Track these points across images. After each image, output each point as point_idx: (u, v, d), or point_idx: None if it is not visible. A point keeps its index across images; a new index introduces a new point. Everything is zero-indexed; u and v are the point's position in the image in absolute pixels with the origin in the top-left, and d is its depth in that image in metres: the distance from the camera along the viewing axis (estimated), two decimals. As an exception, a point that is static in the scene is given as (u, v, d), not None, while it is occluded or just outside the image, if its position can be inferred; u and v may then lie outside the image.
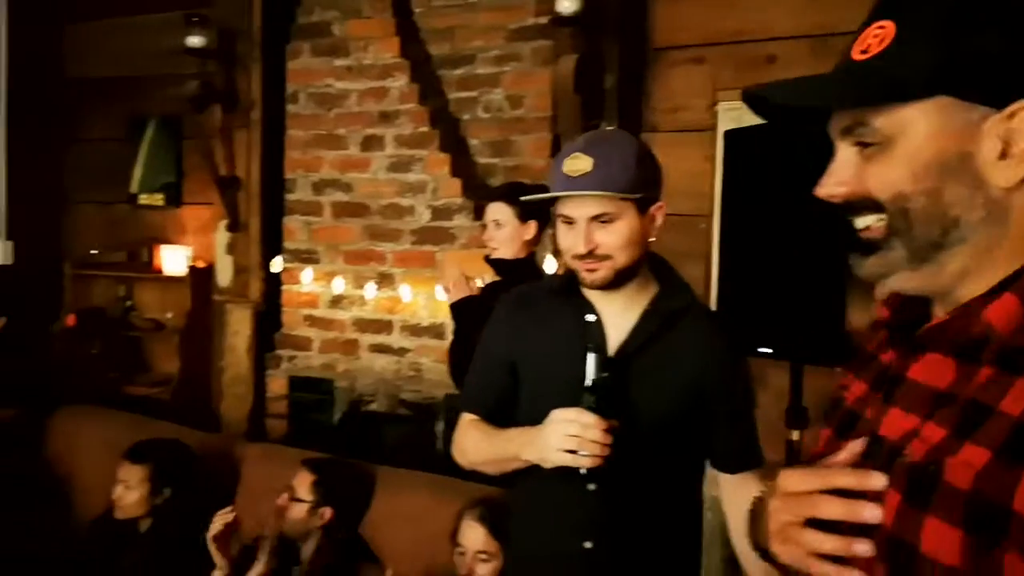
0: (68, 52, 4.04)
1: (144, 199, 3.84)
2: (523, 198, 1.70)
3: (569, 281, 1.40)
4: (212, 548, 1.93)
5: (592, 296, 1.39)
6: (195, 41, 3.17)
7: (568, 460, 1.24)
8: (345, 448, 2.73)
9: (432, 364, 3.08)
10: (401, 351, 3.14)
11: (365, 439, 3.09)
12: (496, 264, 2.28)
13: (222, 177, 3.35)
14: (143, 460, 2.16)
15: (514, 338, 1.46)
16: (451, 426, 2.95)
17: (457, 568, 1.97)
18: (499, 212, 2.24)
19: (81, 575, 2.22)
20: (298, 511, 2.06)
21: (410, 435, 3.07)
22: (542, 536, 1.44)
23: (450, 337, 3.07)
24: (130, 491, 2.13)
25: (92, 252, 3.85)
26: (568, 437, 1.23)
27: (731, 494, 1.42)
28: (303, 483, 2.10)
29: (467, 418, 1.52)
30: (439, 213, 3.07)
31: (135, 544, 2.19)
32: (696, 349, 1.38)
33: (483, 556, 1.90)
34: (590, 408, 1.24)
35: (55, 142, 4.01)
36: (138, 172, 3.85)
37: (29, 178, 3.83)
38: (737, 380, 1.43)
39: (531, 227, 2.26)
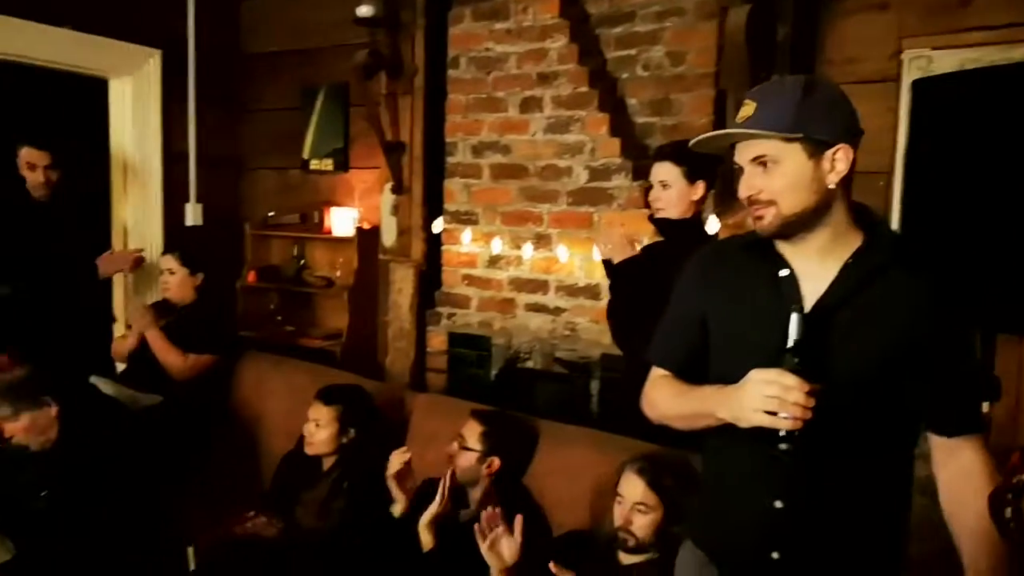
0: (245, 29, 4.34)
1: (315, 164, 4.09)
2: (690, 144, 1.67)
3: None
4: (392, 485, 2.07)
5: (784, 250, 1.35)
6: (364, 11, 3.31)
7: (766, 421, 1.21)
8: (501, 403, 2.83)
9: (588, 324, 3.12)
10: (557, 311, 3.20)
11: (520, 395, 3.19)
12: (661, 224, 2.27)
13: (388, 142, 3.50)
14: (333, 402, 2.34)
15: (706, 294, 1.45)
16: (606, 385, 3.01)
17: (615, 518, 2.00)
18: (666, 172, 2.22)
19: (271, 502, 2.44)
20: (467, 459, 2.16)
21: (564, 393, 3.13)
22: (732, 493, 1.43)
23: (606, 298, 3.10)
24: (321, 430, 2.32)
25: (269, 215, 4.16)
26: (768, 398, 1.20)
27: (944, 458, 1.35)
28: (473, 433, 2.19)
29: (658, 373, 1.53)
30: (597, 174, 3.08)
31: (319, 479, 2.38)
32: (908, 305, 1.30)
33: (641, 508, 1.93)
34: (792, 370, 1.21)
35: (235, 113, 4.34)
36: (309, 139, 4.10)
37: (214, 147, 4.17)
38: (958, 338, 1.33)
39: (699, 187, 2.22)
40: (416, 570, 2.00)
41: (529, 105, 3.22)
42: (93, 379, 2.76)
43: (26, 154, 3.04)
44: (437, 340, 3.49)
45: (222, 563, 2.15)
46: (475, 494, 2.20)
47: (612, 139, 3.05)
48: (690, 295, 1.49)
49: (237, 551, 2.16)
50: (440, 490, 2.04)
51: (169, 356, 2.93)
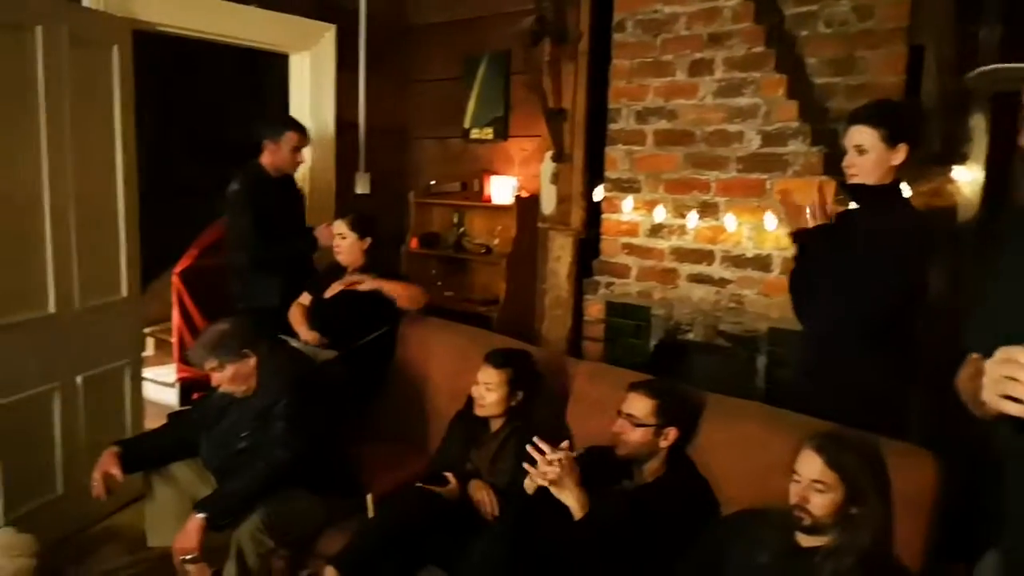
0: (411, 1, 4.46)
1: (476, 133, 4.17)
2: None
3: None
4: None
5: None
6: (531, -23, 3.31)
7: (1006, 407, 1.06)
8: (659, 375, 2.78)
9: (755, 297, 3.00)
10: (721, 282, 3.10)
11: (679, 367, 3.13)
12: (856, 191, 2.12)
13: (550, 109, 3.50)
14: (503, 365, 2.39)
15: None
16: (774, 360, 2.89)
17: (791, 495, 1.92)
18: (863, 136, 2.06)
19: (442, 459, 2.54)
20: (641, 434, 2.13)
21: (727, 367, 3.04)
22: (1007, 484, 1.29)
23: (776, 270, 2.96)
24: (491, 392, 2.38)
25: (431, 183, 4.30)
26: (1003, 380, 1.05)
27: None
28: (643, 407, 2.15)
29: (972, 356, 1.37)
30: (771, 139, 2.93)
31: (488, 439, 2.45)
32: None
33: (819, 486, 1.83)
34: None
35: (401, 84, 4.49)
36: (471, 108, 4.18)
37: (381, 117, 4.34)
38: None
39: (900, 152, 2.05)
40: (569, 535, 2.00)
41: (699, 68, 3.11)
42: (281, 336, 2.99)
43: (293, 138, 3.34)
44: (594, 309, 3.49)
45: (398, 511, 2.26)
46: (652, 465, 2.17)
47: (789, 102, 2.89)
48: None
49: (411, 501, 2.27)
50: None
51: (398, 288, 3.13)
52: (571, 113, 3.53)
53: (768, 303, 2.95)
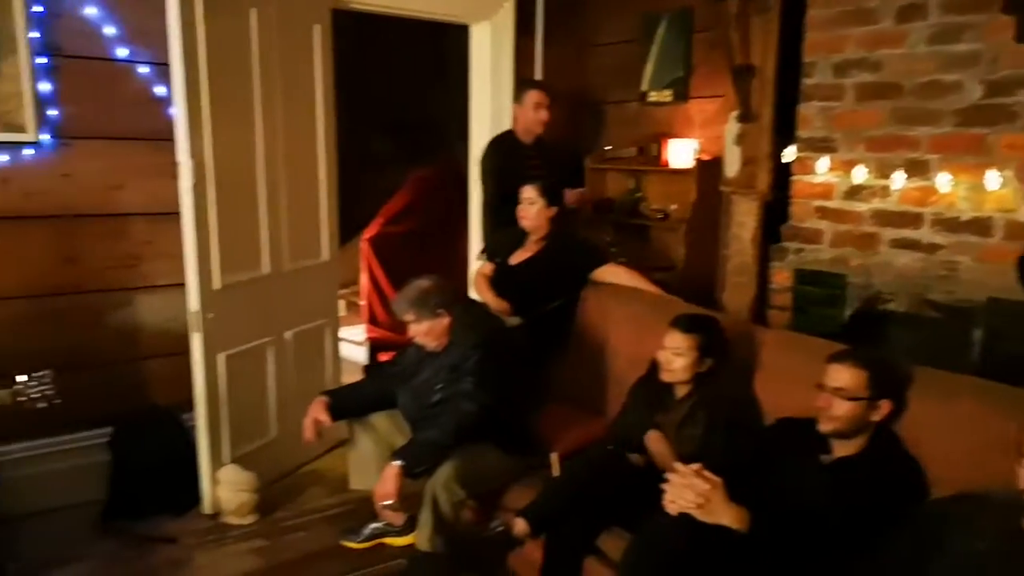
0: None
1: (654, 96, 4.07)
2: None
3: None
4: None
5: None
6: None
7: None
8: (858, 345, 2.61)
9: (972, 264, 2.73)
10: (931, 247, 2.84)
11: (878, 339, 2.92)
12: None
13: (736, 67, 3.35)
14: (692, 331, 2.35)
15: None
16: (993, 333, 2.62)
17: (1019, 481, 1.74)
18: None
19: (624, 424, 2.55)
20: (849, 408, 2.00)
21: (936, 339, 2.79)
22: None
23: (999, 234, 2.67)
24: (679, 357, 2.34)
25: (606, 148, 4.26)
26: None
27: None
28: (853, 378, 2.02)
29: None
30: (996, 88, 2.63)
31: (673, 405, 2.42)
32: None
33: (1058, 472, 1.64)
34: None
35: (578, 49, 4.46)
36: (649, 70, 4.08)
37: (558, 82, 4.33)
38: None
39: None
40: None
41: (908, 14, 2.84)
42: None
43: (534, 95, 3.48)
44: (781, 276, 3.32)
45: (587, 470, 2.31)
46: (857, 441, 2.05)
47: (1019, 46, 2.57)
48: None
49: (600, 461, 2.30)
50: None
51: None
52: (759, 70, 3.35)
53: (987, 270, 2.67)
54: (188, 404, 3.04)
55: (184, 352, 2.99)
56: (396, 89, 5.76)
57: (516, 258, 3.30)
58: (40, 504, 2.89)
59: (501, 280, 3.28)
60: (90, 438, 3.06)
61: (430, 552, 2.48)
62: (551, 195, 3.22)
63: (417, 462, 2.44)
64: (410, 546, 2.76)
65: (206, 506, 3.05)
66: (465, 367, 2.50)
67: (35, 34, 2.79)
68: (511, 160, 3.59)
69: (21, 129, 2.82)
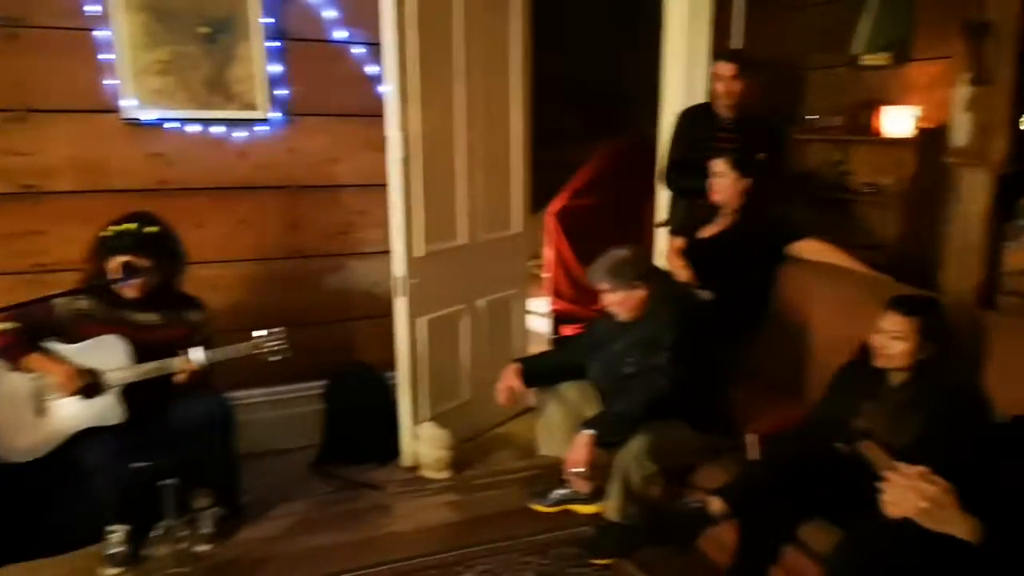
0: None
1: (867, 59, 3.75)
2: None
3: None
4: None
5: None
6: None
7: None
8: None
9: None
10: None
11: None
12: None
13: (970, 23, 3.00)
14: (914, 313, 2.16)
15: None
16: None
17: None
18: None
19: (826, 409, 2.41)
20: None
21: None
22: None
23: None
24: (898, 342, 2.16)
25: (811, 117, 3.99)
26: None
27: None
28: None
29: None
30: None
31: (886, 393, 2.25)
32: None
33: None
34: None
35: (780, 10, 4.18)
36: (863, 31, 3.76)
37: (756, 47, 4.09)
38: None
39: None
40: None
41: None
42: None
43: (716, 67, 3.45)
44: (1017, 258, 2.97)
45: (790, 454, 2.21)
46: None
47: None
48: None
49: (804, 446, 2.20)
50: None
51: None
52: (997, 26, 2.98)
53: None
54: (391, 363, 3.26)
55: (388, 315, 3.21)
56: (582, 60, 5.73)
57: (706, 232, 3.21)
58: (265, 445, 3.23)
59: (690, 254, 3.21)
60: (307, 389, 3.37)
61: (619, 522, 2.51)
62: (742, 167, 3.09)
63: (609, 432, 2.46)
64: (596, 515, 2.81)
65: (406, 459, 3.27)
66: (660, 341, 2.47)
67: (269, 20, 3.07)
68: (696, 132, 3.48)
69: (254, 107, 3.12)
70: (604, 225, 4.74)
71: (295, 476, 3.20)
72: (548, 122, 5.68)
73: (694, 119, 3.57)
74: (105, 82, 2.91)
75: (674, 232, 3.38)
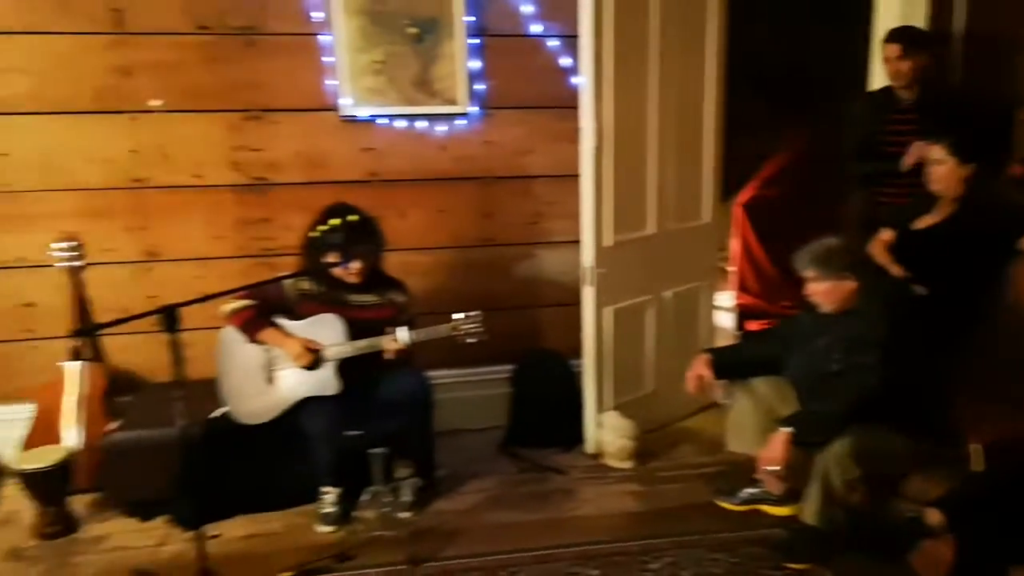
0: None
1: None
2: None
3: None
4: None
5: None
6: None
7: None
8: None
9: None
10: None
11: None
12: None
13: None
14: None
15: None
16: None
17: None
18: None
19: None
20: None
21: None
22: None
23: None
24: None
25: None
26: None
27: None
28: None
29: None
30: None
31: None
32: None
33: None
34: None
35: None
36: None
37: (982, 23, 3.73)
38: None
39: None
40: None
41: None
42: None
43: (884, 48, 3.26)
44: None
45: (1014, 470, 2.02)
46: None
47: None
48: None
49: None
50: None
51: None
52: None
53: None
54: (575, 351, 3.32)
55: (574, 303, 3.26)
56: (773, 45, 5.45)
57: (922, 223, 2.96)
58: (456, 424, 3.39)
59: (901, 248, 2.98)
60: (496, 373, 3.50)
61: (816, 527, 2.40)
62: (963, 153, 2.82)
63: (808, 432, 2.35)
64: (787, 517, 2.71)
65: (589, 446, 3.31)
66: (870, 338, 2.33)
67: (470, 18, 3.21)
68: (874, 116, 3.28)
69: (455, 103, 3.28)
70: (796, 217, 4.51)
71: (484, 455, 3.34)
72: (739, 109, 5.50)
73: (873, 102, 3.36)
74: (326, 83, 3.18)
75: (883, 224, 3.15)
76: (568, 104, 3.24)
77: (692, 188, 3.50)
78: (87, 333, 2.95)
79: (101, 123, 3.09)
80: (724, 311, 4.86)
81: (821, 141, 4.71)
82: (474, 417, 3.49)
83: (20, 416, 3.03)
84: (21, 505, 2.91)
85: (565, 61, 3.31)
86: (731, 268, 4.95)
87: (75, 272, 3.09)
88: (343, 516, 2.79)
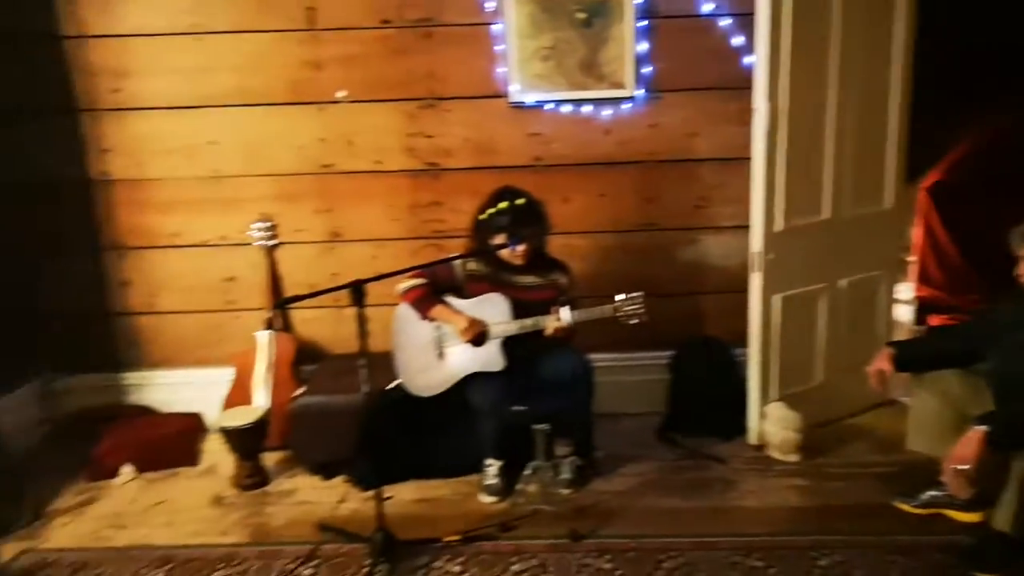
0: None
1: None
2: None
3: None
4: None
5: None
6: None
7: None
8: None
9: None
10: None
11: None
12: None
13: None
14: None
15: None
16: None
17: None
18: None
19: None
20: None
21: None
22: None
23: None
24: None
25: None
26: None
27: None
28: None
29: None
30: None
31: None
32: None
33: None
34: None
35: None
36: None
37: None
38: None
39: None
40: None
41: None
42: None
43: None
44: None
45: None
46: None
47: None
48: None
49: None
50: None
51: None
52: None
53: None
54: (739, 339, 3.23)
55: (739, 290, 3.18)
56: (973, 17, 4.97)
57: None
58: (613, 407, 3.40)
59: None
60: (654, 358, 3.49)
61: (1009, 535, 2.21)
62: None
63: (1007, 432, 2.16)
64: (973, 523, 2.51)
65: (752, 437, 3.22)
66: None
67: (639, 0, 3.19)
68: None
69: (622, 86, 3.28)
70: (989, 205, 4.12)
71: (641, 439, 3.34)
72: (924, 84, 5.08)
73: None
74: (496, 70, 3.29)
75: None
76: (738, 85, 3.15)
77: (873, 171, 3.30)
78: (286, 304, 3.21)
79: (294, 113, 3.37)
80: (903, 304, 4.54)
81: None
82: (632, 401, 3.49)
83: (223, 379, 3.40)
84: (222, 458, 3.26)
85: (737, 40, 3.21)
86: (912, 258, 4.60)
87: (270, 250, 3.41)
88: (505, 488, 2.90)
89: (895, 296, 4.53)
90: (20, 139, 3.40)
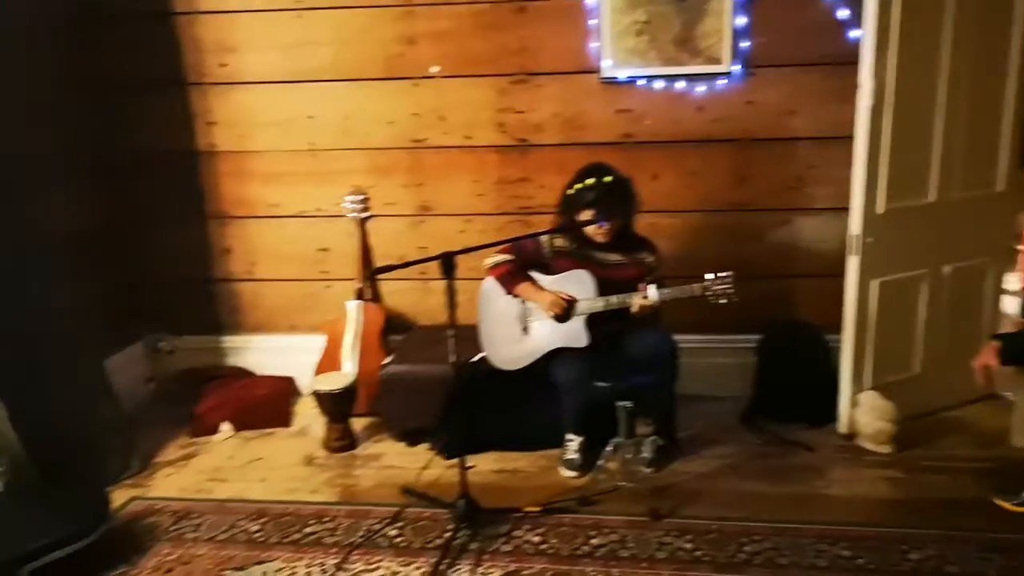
0: None
1: None
2: None
3: None
4: None
5: None
6: None
7: None
8: None
9: None
10: None
11: None
12: None
13: None
14: None
15: None
16: None
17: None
18: None
19: None
20: None
21: None
22: None
23: None
24: None
25: None
26: None
27: None
28: None
29: None
30: None
31: None
32: None
33: None
34: None
35: None
36: None
37: None
38: None
39: None
40: None
41: None
42: None
43: None
44: None
45: None
46: None
47: None
48: None
49: None
50: None
51: None
52: None
53: None
54: (832, 325, 3.13)
55: (834, 275, 3.07)
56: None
57: None
58: (698, 390, 3.36)
59: None
60: (741, 341, 3.42)
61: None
62: None
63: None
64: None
65: (842, 425, 3.13)
66: None
67: (739, -27, 3.10)
68: None
69: (719, 62, 3.20)
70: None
71: (725, 423, 3.29)
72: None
73: None
74: (589, 45, 3.26)
75: None
76: (840, 60, 3.03)
77: (986, 153, 3.11)
78: (379, 273, 3.26)
79: (388, 89, 3.44)
80: (1010, 295, 4.29)
81: None
82: (717, 384, 3.44)
83: (315, 345, 3.53)
84: (313, 420, 3.40)
85: (842, 13, 3.08)
86: (1021, 247, 4.34)
87: (362, 222, 3.51)
88: (585, 463, 2.92)
89: (1002, 286, 4.29)
90: (134, 112, 3.60)
